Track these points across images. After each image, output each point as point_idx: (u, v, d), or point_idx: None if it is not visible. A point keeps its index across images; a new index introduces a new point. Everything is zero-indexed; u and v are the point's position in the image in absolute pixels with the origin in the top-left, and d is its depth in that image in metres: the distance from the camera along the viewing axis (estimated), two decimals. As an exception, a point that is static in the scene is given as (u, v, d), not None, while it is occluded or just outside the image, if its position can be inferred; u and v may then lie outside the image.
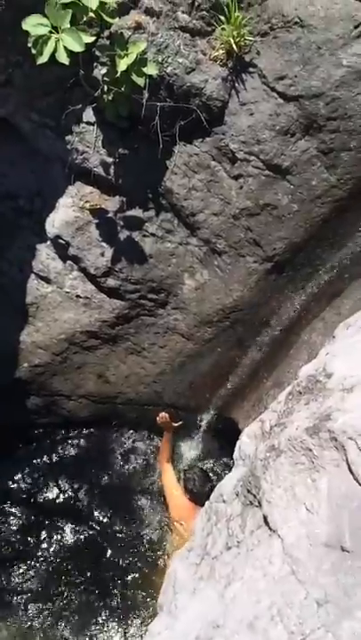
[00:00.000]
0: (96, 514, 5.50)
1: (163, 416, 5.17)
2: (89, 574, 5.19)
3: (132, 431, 5.87)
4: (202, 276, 4.85)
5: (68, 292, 5.10)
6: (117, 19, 4.05)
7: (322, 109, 3.93)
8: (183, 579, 2.64)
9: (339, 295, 4.56)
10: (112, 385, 5.47)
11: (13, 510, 5.52)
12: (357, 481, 1.95)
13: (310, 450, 2.17)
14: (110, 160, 4.60)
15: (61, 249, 4.94)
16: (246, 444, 3.00)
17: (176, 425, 5.18)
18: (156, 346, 5.24)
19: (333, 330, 3.44)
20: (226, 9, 3.95)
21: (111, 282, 4.96)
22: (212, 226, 4.60)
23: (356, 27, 3.72)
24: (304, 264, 4.58)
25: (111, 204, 4.75)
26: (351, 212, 4.29)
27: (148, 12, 4.12)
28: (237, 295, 4.76)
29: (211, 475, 5.25)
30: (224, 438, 5.35)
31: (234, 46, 3.98)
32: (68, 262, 5.01)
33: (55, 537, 5.39)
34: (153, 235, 4.79)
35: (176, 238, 4.79)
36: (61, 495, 5.61)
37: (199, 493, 4.75)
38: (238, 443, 3.12)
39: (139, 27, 4.12)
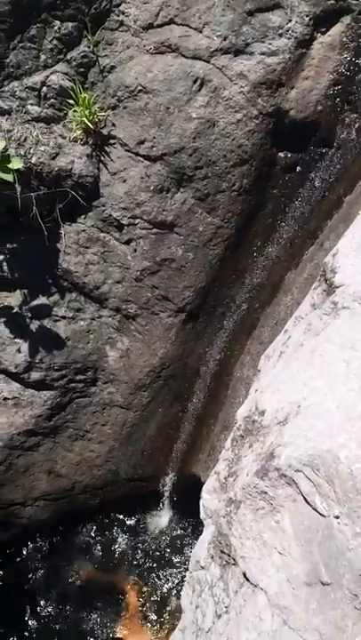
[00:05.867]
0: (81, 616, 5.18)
1: None
2: None
3: (98, 520, 5.62)
4: (123, 343, 4.84)
5: (-7, 398, 4.92)
6: (-30, 125, 4.10)
7: (187, 161, 4.12)
8: (184, 663, 2.51)
9: (256, 325, 4.67)
10: (65, 477, 5.25)
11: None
12: (316, 510, 1.95)
13: (265, 492, 2.15)
14: (1, 258, 4.56)
15: (-25, 357, 4.78)
16: (208, 500, 2.95)
17: None
18: (99, 424, 5.12)
19: (259, 362, 3.51)
20: (72, 92, 4.11)
21: (35, 375, 4.83)
22: (119, 293, 4.64)
23: (194, 82, 3.97)
24: (215, 305, 4.69)
25: (14, 299, 4.69)
26: (243, 245, 4.46)
27: (-2, 112, 4.22)
28: (162, 352, 4.77)
29: None
30: (191, 497, 5.24)
31: (89, 124, 4.13)
32: (-14, 368, 4.86)
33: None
34: (64, 317, 4.76)
35: (87, 315, 4.78)
36: (44, 611, 5.24)
37: None
38: (201, 501, 3.06)
39: (-7, 128, 4.19)
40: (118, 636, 5.05)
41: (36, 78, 4.16)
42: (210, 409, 5.02)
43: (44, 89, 4.17)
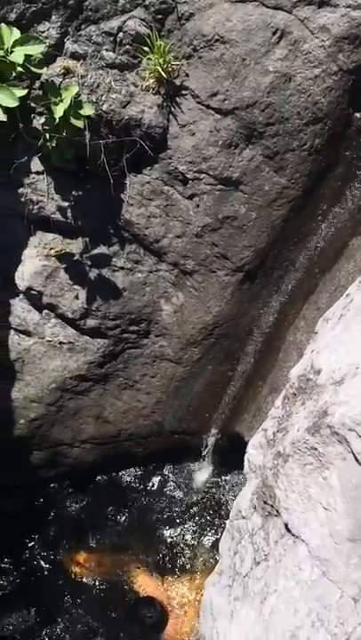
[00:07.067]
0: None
1: None
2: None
3: (140, 468, 5.82)
4: (178, 299, 4.88)
5: (50, 341, 5.09)
6: (45, 68, 4.13)
7: (259, 117, 4.03)
8: (219, 603, 2.61)
9: (313, 291, 4.61)
10: (112, 424, 5.43)
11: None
12: (367, 470, 1.96)
13: (315, 449, 2.17)
14: (66, 204, 4.64)
15: (35, 299, 4.93)
16: (254, 455, 3.00)
17: None
18: (148, 376, 5.23)
19: (316, 326, 3.49)
20: (148, 39, 4.06)
21: (91, 322, 4.96)
22: (178, 248, 4.65)
23: (274, 33, 3.84)
24: (274, 267, 4.64)
25: (75, 246, 4.78)
26: (308, 207, 4.37)
27: (74, 56, 4.22)
28: (216, 310, 4.79)
29: None
30: (232, 455, 5.33)
31: (162, 73, 4.08)
32: (45, 311, 5.01)
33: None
34: (122, 268, 4.82)
35: (145, 267, 4.83)
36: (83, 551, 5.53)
37: None
38: (246, 456, 3.12)
39: (68, 72, 4.20)
40: (148, 594, 5.22)
41: (113, 23, 4.12)
42: (259, 371, 5.04)
43: (120, 34, 4.13)
